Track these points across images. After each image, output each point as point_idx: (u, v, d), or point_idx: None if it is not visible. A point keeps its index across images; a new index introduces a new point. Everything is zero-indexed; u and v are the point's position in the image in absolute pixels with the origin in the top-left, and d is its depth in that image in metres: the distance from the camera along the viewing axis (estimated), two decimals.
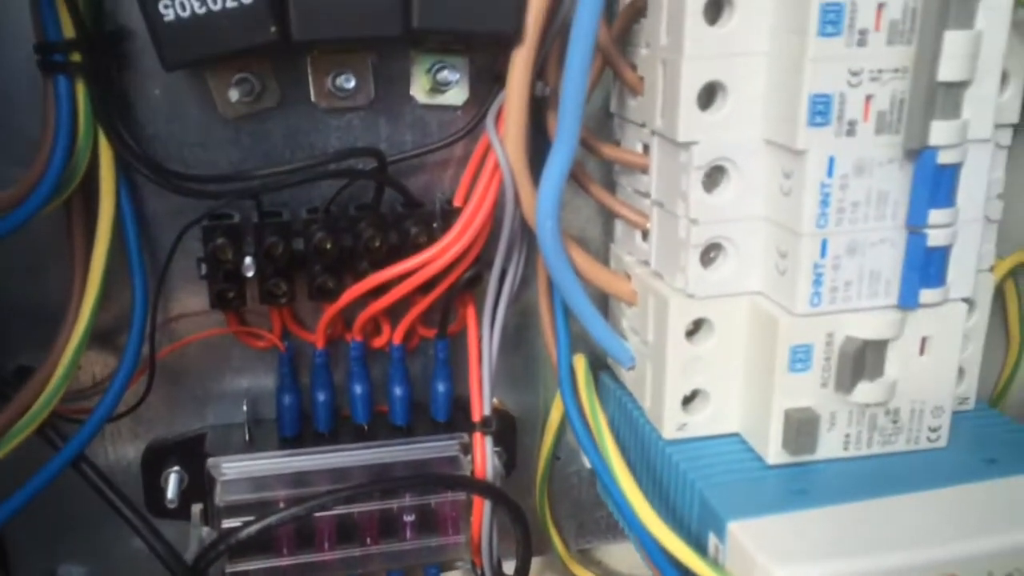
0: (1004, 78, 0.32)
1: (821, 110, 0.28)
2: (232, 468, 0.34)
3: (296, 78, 0.34)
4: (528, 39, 0.32)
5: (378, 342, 0.38)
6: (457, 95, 0.36)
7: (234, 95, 0.32)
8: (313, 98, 0.34)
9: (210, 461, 0.35)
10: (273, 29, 0.29)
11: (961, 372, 0.35)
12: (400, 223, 0.35)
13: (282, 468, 0.35)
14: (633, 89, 0.34)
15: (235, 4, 0.28)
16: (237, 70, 0.33)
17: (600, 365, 0.41)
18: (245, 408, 0.37)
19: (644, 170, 0.35)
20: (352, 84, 0.34)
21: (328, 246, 0.34)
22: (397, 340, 0.37)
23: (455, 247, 0.34)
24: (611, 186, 0.38)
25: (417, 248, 0.35)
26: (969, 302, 0.33)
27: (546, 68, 0.34)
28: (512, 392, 0.42)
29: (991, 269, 0.35)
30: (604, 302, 0.39)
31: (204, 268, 0.33)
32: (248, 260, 0.33)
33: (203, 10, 0.28)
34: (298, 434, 0.37)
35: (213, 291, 0.33)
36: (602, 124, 0.39)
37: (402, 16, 0.30)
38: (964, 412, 0.36)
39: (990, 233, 0.34)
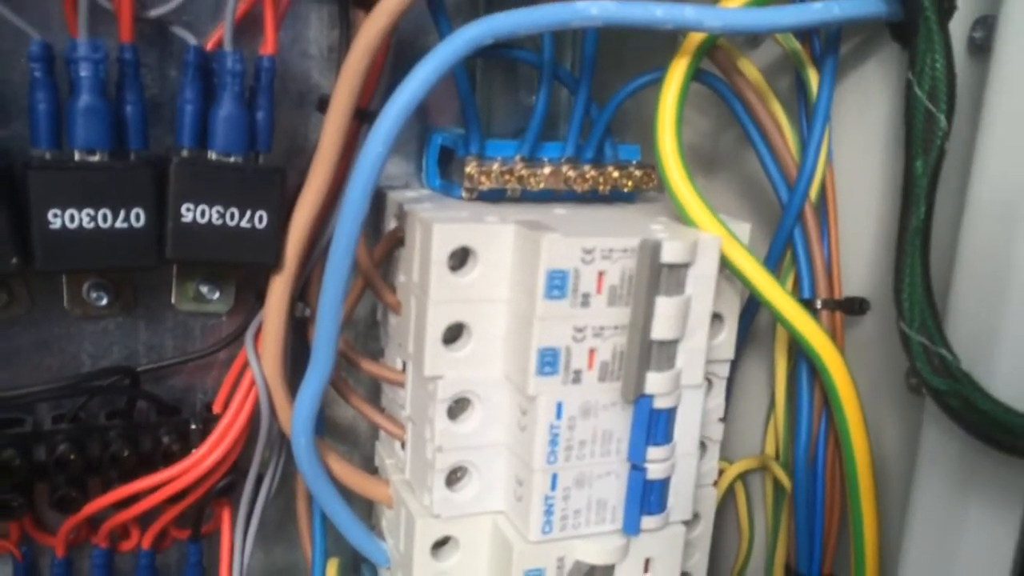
0: (719, 321, 0.36)
1: (549, 361, 0.31)
2: None
3: (50, 285, 0.34)
4: (287, 267, 0.33)
5: (126, 546, 0.37)
6: (220, 305, 0.36)
7: None
8: (67, 306, 0.34)
9: None
10: (14, 260, 0.29)
11: None
12: (154, 431, 0.35)
13: None
14: (393, 310, 0.36)
15: None
16: None
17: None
18: None
19: (402, 385, 0.36)
20: (106, 301, 0.34)
21: (72, 457, 0.33)
22: (146, 545, 0.36)
23: (210, 458, 0.34)
24: (379, 388, 0.40)
25: (170, 457, 0.35)
26: (692, 518, 0.36)
27: (308, 289, 0.35)
28: None
29: (714, 483, 0.38)
30: None
31: None
32: None
33: None
34: None
35: None
36: (371, 329, 0.40)
37: (156, 248, 0.31)
38: None
39: (713, 452, 0.38)
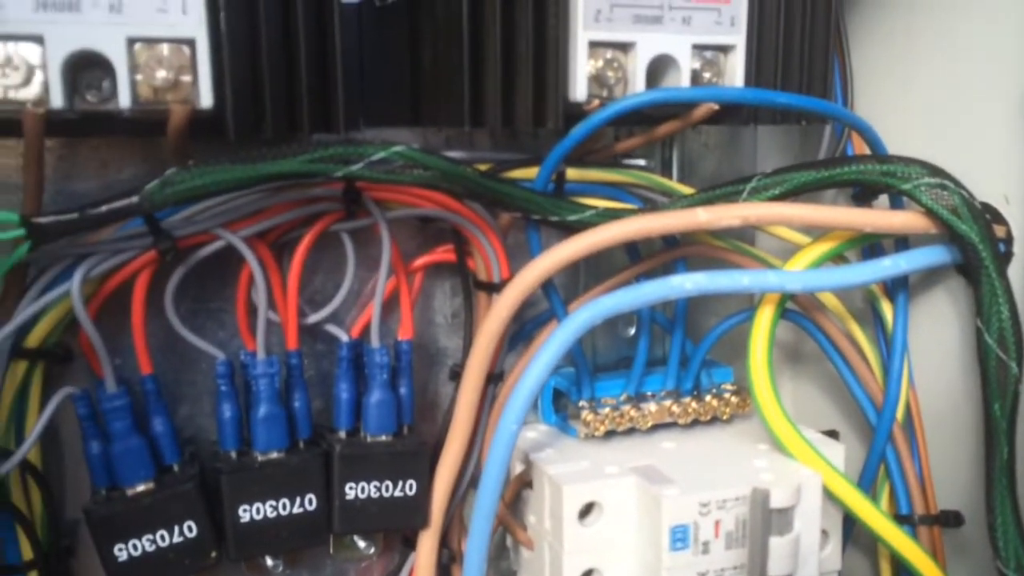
0: (825, 536, 0.39)
1: None
2: None
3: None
4: (434, 523, 0.38)
5: None
6: (372, 550, 0.40)
7: None
8: (245, 571, 0.39)
9: None
10: (214, 554, 0.34)
11: None
12: None
13: None
14: (526, 547, 0.40)
15: (181, 538, 0.33)
16: None
17: None
18: None
19: None
20: (282, 568, 0.38)
21: None
22: None
23: None
24: None
25: None
26: None
27: (449, 533, 0.40)
28: None
29: None
30: None
31: None
32: None
33: (153, 548, 0.33)
34: None
35: None
36: (501, 551, 0.44)
37: (326, 525, 0.36)
38: None
39: None
